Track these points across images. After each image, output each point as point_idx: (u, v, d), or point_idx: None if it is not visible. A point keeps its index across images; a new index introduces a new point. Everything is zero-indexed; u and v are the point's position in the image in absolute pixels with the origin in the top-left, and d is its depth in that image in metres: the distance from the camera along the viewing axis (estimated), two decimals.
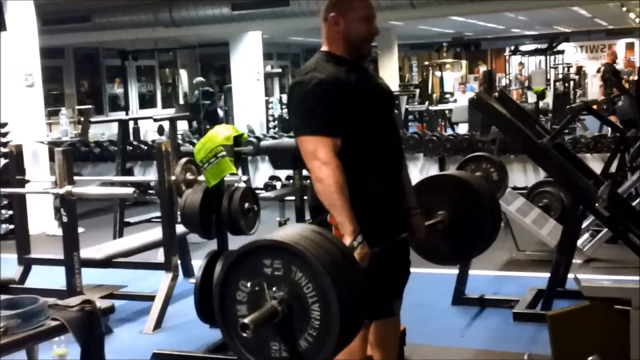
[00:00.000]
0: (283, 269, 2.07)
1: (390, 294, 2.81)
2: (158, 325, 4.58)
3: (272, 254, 2.09)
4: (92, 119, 9.90)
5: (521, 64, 21.82)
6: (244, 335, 2.02)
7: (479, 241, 3.31)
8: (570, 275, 4.35)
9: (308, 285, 2.04)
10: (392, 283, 2.80)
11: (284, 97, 15.93)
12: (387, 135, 2.77)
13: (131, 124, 11.55)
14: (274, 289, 2.07)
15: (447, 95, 16.31)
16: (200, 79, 15.49)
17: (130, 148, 9.49)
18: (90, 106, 11.60)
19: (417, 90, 16.51)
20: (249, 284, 2.10)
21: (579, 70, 20.37)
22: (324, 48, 2.75)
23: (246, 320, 2.00)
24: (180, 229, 4.78)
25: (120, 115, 14.00)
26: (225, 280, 2.15)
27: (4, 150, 7.18)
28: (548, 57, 19.18)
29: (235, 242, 4.33)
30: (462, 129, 12.55)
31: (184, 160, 4.78)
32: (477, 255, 3.34)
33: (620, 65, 20.91)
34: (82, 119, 10.01)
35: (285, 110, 14.48)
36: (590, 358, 2.75)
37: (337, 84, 2.60)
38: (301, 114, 2.60)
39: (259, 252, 2.10)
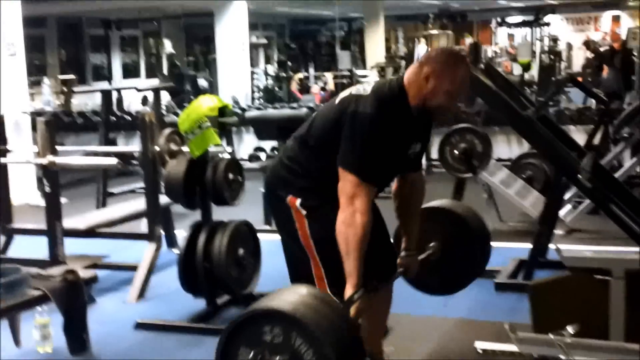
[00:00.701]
0: (283, 336, 2.10)
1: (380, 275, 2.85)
2: (141, 295, 4.59)
3: (270, 321, 2.12)
4: (75, 89, 9.81)
5: (511, 36, 21.78)
6: None
7: (469, 272, 3.41)
8: (552, 246, 4.38)
9: (308, 352, 2.08)
10: (383, 263, 2.86)
11: (270, 68, 15.85)
12: (385, 183, 2.85)
13: (114, 94, 11.47)
14: (274, 355, 2.10)
15: None
16: (170, 50, 15.36)
17: (114, 118, 9.43)
18: (73, 76, 11.48)
19: (403, 62, 16.45)
20: (250, 353, 2.13)
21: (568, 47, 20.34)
22: (405, 81, 2.69)
23: None
24: (164, 199, 4.76)
25: (104, 85, 13.89)
26: (226, 348, 2.17)
27: None
28: (534, 29, 19.14)
29: (220, 213, 4.35)
30: None
31: (168, 130, 4.75)
32: (466, 285, 3.43)
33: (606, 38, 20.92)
34: (64, 89, 9.92)
35: (270, 82, 14.43)
36: (570, 327, 2.78)
37: (395, 134, 2.63)
38: (358, 149, 2.58)
39: (258, 320, 2.14)
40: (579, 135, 7.48)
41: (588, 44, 14.90)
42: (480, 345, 3.41)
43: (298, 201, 2.71)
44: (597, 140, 5.89)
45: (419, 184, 2.99)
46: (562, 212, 5.55)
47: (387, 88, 2.68)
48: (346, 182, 2.57)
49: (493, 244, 5.60)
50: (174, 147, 4.72)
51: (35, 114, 7.71)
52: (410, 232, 3.00)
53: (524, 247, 4.74)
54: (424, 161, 5.18)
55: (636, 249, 3.83)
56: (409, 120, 2.68)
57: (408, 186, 2.95)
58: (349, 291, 2.52)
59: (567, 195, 5.63)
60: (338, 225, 2.56)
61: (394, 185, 2.99)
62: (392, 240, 3.05)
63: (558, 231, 5.37)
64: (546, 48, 17.41)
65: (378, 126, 2.57)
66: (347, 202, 2.55)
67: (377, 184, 2.70)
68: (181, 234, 4.54)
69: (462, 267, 3.36)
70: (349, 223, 2.53)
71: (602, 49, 13.24)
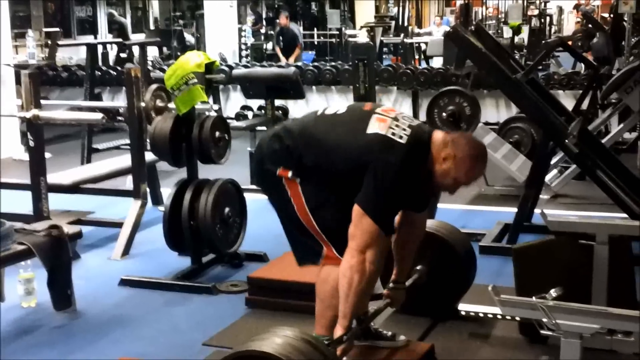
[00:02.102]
0: None
1: None
2: (126, 251, 4.58)
3: None
4: (60, 42, 9.66)
5: None
6: None
7: (456, 293, 3.44)
8: (537, 210, 4.40)
9: None
10: None
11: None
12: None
13: (100, 48, 11.31)
14: None
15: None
16: (111, 11, 15.20)
17: (99, 73, 9.32)
18: (57, 29, 11.30)
19: (393, 22, 16.32)
20: None
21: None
22: (432, 145, 2.67)
23: None
24: (149, 156, 4.73)
25: (89, 39, 13.69)
26: None
27: None
28: None
29: (206, 172, 4.33)
30: (437, 62, 12.48)
31: (154, 86, 4.70)
32: (452, 307, 3.45)
33: (597, 2, 20.84)
34: (49, 42, 9.76)
35: (257, 40, 14.26)
36: (553, 290, 2.80)
37: (411, 187, 2.65)
38: (383, 199, 2.57)
39: None
40: (567, 100, 7.48)
41: (578, 8, 14.82)
42: (463, 307, 3.43)
43: (290, 172, 2.68)
44: (585, 105, 5.87)
45: (420, 225, 3.00)
46: (548, 177, 5.58)
47: (422, 142, 2.65)
48: (363, 230, 2.55)
49: (479, 207, 5.67)
50: (160, 103, 4.67)
51: (19, 67, 7.58)
52: (402, 266, 3.04)
53: (510, 211, 4.77)
54: None
55: (620, 214, 3.87)
56: (425, 175, 2.71)
57: (408, 224, 2.95)
58: (338, 332, 2.59)
59: (553, 160, 5.64)
60: (344, 267, 2.57)
61: (396, 219, 2.95)
62: None
63: (544, 196, 5.40)
64: (536, 11, 17.29)
65: (404, 179, 2.59)
66: (360, 249, 2.55)
67: None
68: (167, 191, 4.51)
69: (448, 288, 3.41)
70: (357, 269, 2.55)
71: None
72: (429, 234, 3.27)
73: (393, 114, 2.70)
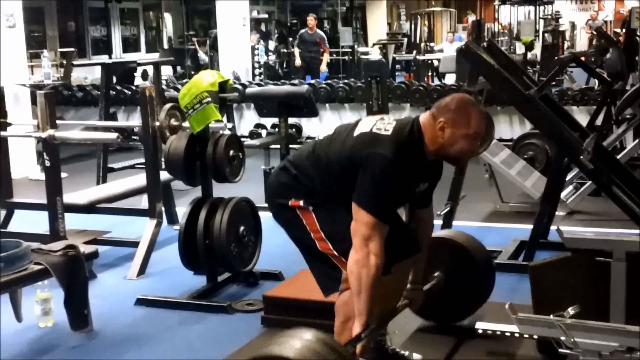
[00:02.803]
0: None
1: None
2: (142, 271, 4.59)
3: None
4: (75, 62, 9.75)
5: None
6: None
7: (474, 300, 3.46)
8: (553, 227, 4.37)
9: None
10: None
11: (271, 44, 15.75)
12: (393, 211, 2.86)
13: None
14: None
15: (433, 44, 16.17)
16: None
17: (114, 93, 9.38)
18: (72, 49, 11.41)
19: (405, 40, 16.37)
20: None
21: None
22: (422, 127, 2.69)
23: None
24: (164, 175, 4.75)
25: (103, 58, 13.81)
26: None
27: None
28: (537, 7, 19.00)
29: (220, 190, 4.34)
30: (450, 79, 12.49)
31: (168, 105, 4.72)
32: (470, 314, 3.48)
33: (610, 17, 20.80)
34: (64, 62, 9.86)
35: (271, 58, 14.34)
36: (570, 308, 2.78)
37: (408, 176, 2.66)
38: (375, 190, 2.59)
39: None
40: (581, 116, 7.45)
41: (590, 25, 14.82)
42: (480, 325, 3.41)
43: (301, 202, 2.74)
44: (599, 121, 5.85)
45: (428, 220, 3.01)
46: (563, 193, 5.55)
47: (407, 132, 2.67)
48: (361, 223, 2.59)
49: (494, 224, 5.64)
50: (174, 122, 4.70)
51: (35, 87, 7.67)
52: (417, 266, 3.05)
53: (525, 228, 4.74)
54: None
55: (637, 230, 3.83)
56: (423, 164, 2.72)
57: (416, 222, 2.98)
58: (356, 329, 2.58)
59: (568, 176, 5.62)
60: (351, 264, 2.59)
61: (403, 219, 3.02)
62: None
63: (559, 212, 5.37)
64: (549, 27, 17.28)
65: (395, 169, 2.59)
66: (362, 243, 2.57)
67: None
68: (182, 210, 4.53)
69: (466, 296, 3.43)
70: (362, 264, 2.56)
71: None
72: (447, 240, 3.28)
73: (379, 116, 2.79)
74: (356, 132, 2.71)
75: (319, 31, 12.77)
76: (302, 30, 12.98)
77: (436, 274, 3.29)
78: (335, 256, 2.71)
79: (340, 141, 2.75)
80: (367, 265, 2.56)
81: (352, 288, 2.60)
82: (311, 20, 12.48)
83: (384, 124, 2.69)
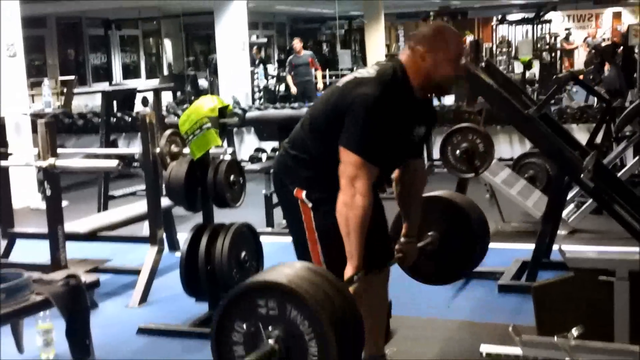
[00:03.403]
0: (278, 309, 2.06)
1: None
2: (144, 299, 4.57)
3: (265, 294, 2.07)
4: (75, 90, 9.79)
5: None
6: None
7: (467, 261, 3.40)
8: (555, 247, 4.36)
9: (304, 323, 2.04)
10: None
11: (270, 68, 15.81)
12: (389, 170, 2.85)
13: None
14: (270, 328, 2.06)
15: None
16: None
17: (114, 120, 9.41)
18: (73, 77, 11.46)
19: None
20: (244, 326, 2.09)
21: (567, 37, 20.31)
22: (405, 65, 2.69)
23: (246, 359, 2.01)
24: (165, 201, 4.75)
25: (104, 85, 13.87)
26: (221, 323, 2.13)
27: None
28: (535, 26, 19.12)
29: (221, 215, 4.33)
30: (449, 99, 12.51)
31: (168, 132, 4.74)
32: (464, 276, 3.42)
33: (607, 35, 20.91)
34: (65, 90, 9.90)
35: (271, 82, 14.39)
36: (574, 329, 2.76)
37: (396, 115, 2.62)
38: (360, 129, 2.57)
39: (252, 293, 2.09)
40: (581, 134, 7.47)
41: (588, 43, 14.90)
42: (484, 348, 3.39)
43: (304, 193, 2.71)
44: (599, 139, 5.85)
45: (420, 171, 2.99)
46: (565, 212, 5.54)
47: (390, 71, 2.67)
48: (347, 164, 2.56)
49: (496, 244, 5.62)
50: (175, 148, 4.71)
51: (35, 116, 7.69)
52: (411, 219, 3.00)
53: (527, 248, 4.72)
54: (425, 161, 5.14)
55: (639, 249, 3.83)
56: (413, 102, 2.70)
57: (409, 173, 2.96)
58: (349, 272, 2.53)
59: (569, 195, 5.61)
60: (339, 206, 2.56)
61: (395, 172, 2.99)
62: (389, 229, 3.04)
63: (561, 231, 5.36)
64: (547, 46, 17.38)
65: (381, 108, 2.57)
66: (348, 183, 2.55)
67: (382, 168, 2.71)
68: (183, 236, 4.52)
69: (459, 258, 3.34)
70: (349, 205, 2.53)
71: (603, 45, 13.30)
72: (443, 199, 3.27)
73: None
74: (340, 84, 2.73)
75: (306, 52, 12.83)
76: (291, 57, 13.05)
77: (430, 234, 3.22)
78: (319, 261, 2.69)
79: (327, 97, 2.76)
80: (353, 205, 2.53)
81: (341, 230, 2.56)
82: (297, 43, 12.57)
83: (366, 69, 2.71)
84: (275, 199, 5.51)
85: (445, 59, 2.65)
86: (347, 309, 2.14)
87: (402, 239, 3.01)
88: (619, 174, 5.56)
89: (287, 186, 2.77)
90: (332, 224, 2.62)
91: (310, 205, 2.71)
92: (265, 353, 2.02)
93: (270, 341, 2.04)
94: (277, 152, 7.75)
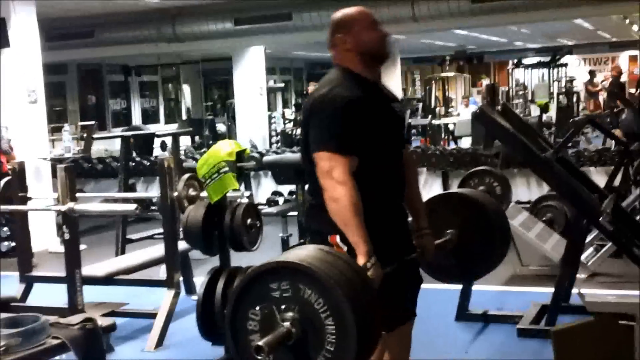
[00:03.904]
0: (291, 290, 2.04)
1: (401, 309, 2.79)
2: (160, 342, 4.55)
3: (277, 276, 2.06)
4: (95, 135, 9.90)
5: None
6: (259, 358, 1.99)
7: (488, 259, 3.32)
8: (575, 290, 4.32)
9: (319, 301, 2.01)
10: (403, 299, 2.79)
11: (287, 112, 15.95)
12: (397, 156, 2.78)
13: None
14: (284, 311, 2.04)
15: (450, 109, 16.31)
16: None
17: (133, 164, 9.49)
18: (93, 122, 11.60)
19: (420, 104, 16.52)
20: (258, 310, 2.07)
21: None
22: (339, 62, 2.73)
23: (260, 343, 1.98)
24: (182, 245, 4.76)
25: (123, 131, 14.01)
26: (235, 311, 2.11)
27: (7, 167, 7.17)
28: (551, 69, 19.19)
29: (238, 259, 4.34)
30: (465, 142, 12.54)
31: (186, 176, 4.77)
32: (484, 274, 3.34)
33: (624, 78, 20.91)
34: (85, 135, 10.01)
35: (288, 126, 14.51)
36: None
37: (358, 103, 2.60)
38: (321, 130, 2.58)
39: (264, 276, 2.08)
40: (599, 177, 7.42)
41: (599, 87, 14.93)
42: None
43: (337, 237, 2.65)
44: (617, 181, 5.83)
45: (409, 160, 2.94)
46: (584, 256, 5.48)
47: (332, 74, 2.71)
48: (319, 163, 2.55)
49: (514, 288, 5.58)
50: (192, 192, 4.74)
51: (55, 161, 7.78)
52: (417, 211, 2.93)
53: (546, 292, 4.67)
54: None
55: None
56: (368, 85, 2.68)
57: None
58: (361, 260, 2.46)
59: (588, 238, 5.56)
60: (327, 204, 2.54)
61: None
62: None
63: (580, 275, 5.30)
64: (563, 89, 17.41)
65: (334, 98, 2.57)
66: (325, 178, 2.53)
67: (385, 159, 2.69)
68: (199, 280, 4.52)
69: (480, 254, 3.27)
70: (333, 198, 2.51)
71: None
72: (460, 196, 3.25)
73: None
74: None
75: None
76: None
77: (449, 231, 3.16)
78: None
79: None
80: (337, 196, 2.49)
81: (339, 226, 2.52)
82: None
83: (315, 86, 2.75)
84: (292, 242, 5.56)
85: (361, 28, 2.68)
86: (360, 285, 2.10)
87: (416, 234, 2.92)
88: (638, 217, 5.52)
89: (318, 231, 2.71)
90: None
91: (345, 248, 2.66)
92: (280, 336, 1.99)
93: (286, 324, 2.01)
94: (294, 197, 7.77)
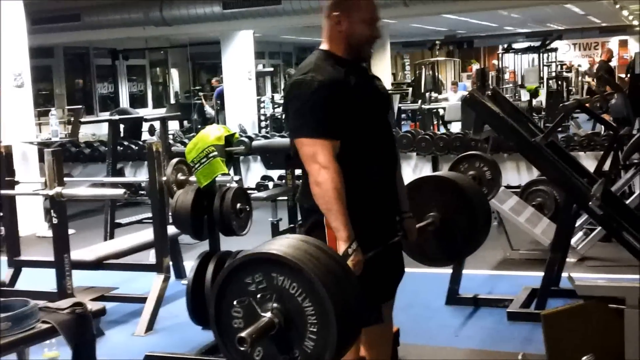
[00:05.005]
0: (265, 280, 2.04)
1: (380, 298, 2.77)
2: (150, 327, 4.55)
3: (249, 269, 2.06)
4: (82, 119, 9.83)
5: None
6: (242, 349, 1.99)
7: (470, 241, 3.33)
8: (564, 274, 4.33)
9: (293, 285, 2.01)
10: (383, 287, 2.77)
11: (277, 96, 15.90)
12: (383, 138, 2.75)
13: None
14: (263, 302, 2.04)
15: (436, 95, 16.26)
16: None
17: (121, 148, 9.44)
18: (80, 106, 11.53)
19: (410, 89, 16.50)
20: (239, 307, 2.07)
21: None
22: (324, 46, 2.71)
23: (242, 334, 1.97)
24: (171, 230, 4.74)
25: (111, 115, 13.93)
26: (218, 312, 2.11)
27: None
28: (541, 54, 19.18)
29: (228, 243, 4.32)
30: (455, 127, 12.54)
31: (175, 160, 4.74)
32: (467, 255, 3.34)
33: (613, 63, 20.93)
34: (72, 119, 9.94)
35: (277, 110, 14.46)
36: (585, 357, 2.73)
37: (337, 85, 2.57)
38: (300, 115, 2.56)
39: (237, 273, 2.08)
40: (588, 162, 7.44)
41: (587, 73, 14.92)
42: None
43: None
44: (607, 166, 5.84)
45: None
46: (573, 240, 5.51)
47: (310, 56, 2.69)
48: (301, 148, 2.54)
49: (504, 272, 5.59)
50: (181, 176, 4.71)
51: (42, 145, 7.72)
52: (398, 195, 2.89)
53: (536, 276, 4.70)
54: None
55: None
56: (348, 67, 2.64)
57: None
58: (341, 247, 2.46)
59: (578, 222, 5.58)
60: (311, 189, 2.53)
61: None
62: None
63: (570, 259, 5.33)
64: (553, 74, 17.42)
65: (311, 81, 2.54)
66: (309, 163, 2.52)
67: (379, 146, 2.69)
68: (189, 264, 4.50)
69: (463, 235, 3.28)
70: (317, 182, 2.50)
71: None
72: (442, 179, 3.25)
73: None
74: None
75: None
76: None
77: (431, 214, 3.17)
78: None
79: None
80: (321, 181, 2.48)
81: (322, 210, 2.51)
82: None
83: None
84: (282, 227, 5.55)
85: (360, 20, 2.65)
86: (333, 264, 2.10)
87: (398, 218, 2.91)
88: (627, 201, 5.54)
89: (314, 212, 2.66)
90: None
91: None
92: (262, 327, 1.99)
93: (267, 314, 2.01)
94: (284, 181, 7.75)
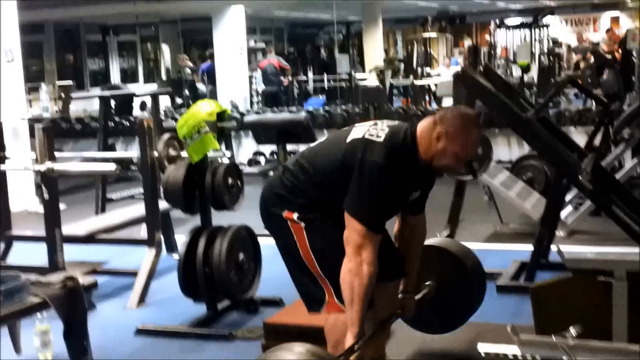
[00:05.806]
0: None
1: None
2: (142, 300, 4.57)
3: None
4: (73, 95, 9.78)
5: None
6: None
7: (466, 309, 3.37)
8: (554, 248, 4.36)
9: None
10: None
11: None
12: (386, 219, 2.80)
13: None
14: None
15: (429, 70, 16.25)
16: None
17: (112, 124, 9.41)
18: (70, 82, 11.45)
19: (402, 65, 16.45)
20: None
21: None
22: (418, 133, 2.68)
23: None
24: (163, 204, 4.75)
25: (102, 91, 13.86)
26: None
27: None
28: (533, 30, 19.13)
29: (219, 218, 4.33)
30: (447, 103, 12.54)
31: (166, 135, 4.74)
32: (464, 322, 3.40)
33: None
34: (62, 95, 9.88)
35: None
36: (573, 329, 2.76)
37: (400, 183, 2.63)
38: (367, 199, 2.58)
39: None
40: (579, 137, 7.46)
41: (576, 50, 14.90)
42: (482, 347, 3.39)
43: (295, 215, 2.70)
44: (597, 141, 5.86)
45: (420, 227, 2.98)
46: (563, 214, 5.54)
47: (400, 138, 2.66)
48: (353, 232, 2.57)
49: (494, 246, 5.63)
50: (172, 152, 4.71)
51: (33, 121, 7.67)
52: (410, 274, 3.00)
53: (526, 249, 4.73)
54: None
55: (638, 249, 3.82)
56: (416, 171, 2.69)
57: (409, 229, 2.96)
58: (349, 340, 2.54)
59: (568, 197, 5.61)
60: (344, 273, 2.57)
61: (395, 226, 2.99)
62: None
63: (559, 233, 5.36)
64: (545, 50, 17.39)
65: (387, 177, 2.57)
66: (355, 252, 2.56)
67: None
68: (181, 239, 4.52)
69: (458, 305, 3.35)
70: (355, 273, 2.54)
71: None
72: (439, 249, 3.25)
73: (373, 122, 2.78)
74: (349, 139, 2.69)
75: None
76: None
77: (428, 283, 3.22)
78: (320, 275, 2.69)
79: (333, 149, 2.73)
80: (359, 274, 2.53)
81: (344, 297, 2.57)
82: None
83: (377, 130, 2.67)
84: None
85: (455, 152, 2.64)
86: None
87: (400, 295, 3.01)
88: (617, 176, 5.57)
89: (274, 212, 2.76)
90: (328, 240, 2.65)
91: (303, 225, 2.69)
92: None
93: None
94: (275, 157, 7.75)
